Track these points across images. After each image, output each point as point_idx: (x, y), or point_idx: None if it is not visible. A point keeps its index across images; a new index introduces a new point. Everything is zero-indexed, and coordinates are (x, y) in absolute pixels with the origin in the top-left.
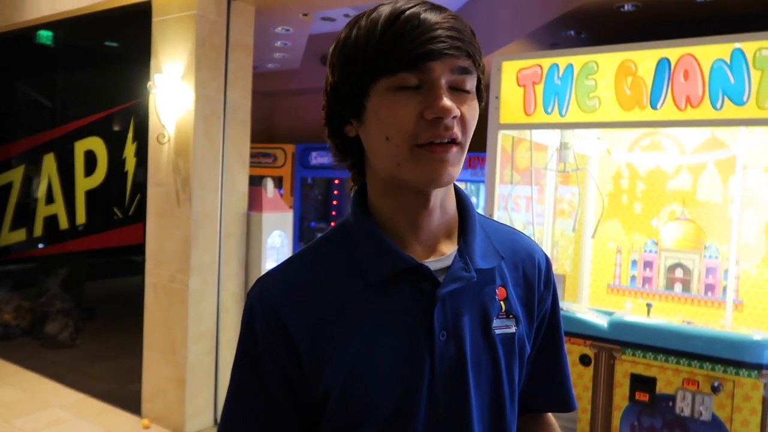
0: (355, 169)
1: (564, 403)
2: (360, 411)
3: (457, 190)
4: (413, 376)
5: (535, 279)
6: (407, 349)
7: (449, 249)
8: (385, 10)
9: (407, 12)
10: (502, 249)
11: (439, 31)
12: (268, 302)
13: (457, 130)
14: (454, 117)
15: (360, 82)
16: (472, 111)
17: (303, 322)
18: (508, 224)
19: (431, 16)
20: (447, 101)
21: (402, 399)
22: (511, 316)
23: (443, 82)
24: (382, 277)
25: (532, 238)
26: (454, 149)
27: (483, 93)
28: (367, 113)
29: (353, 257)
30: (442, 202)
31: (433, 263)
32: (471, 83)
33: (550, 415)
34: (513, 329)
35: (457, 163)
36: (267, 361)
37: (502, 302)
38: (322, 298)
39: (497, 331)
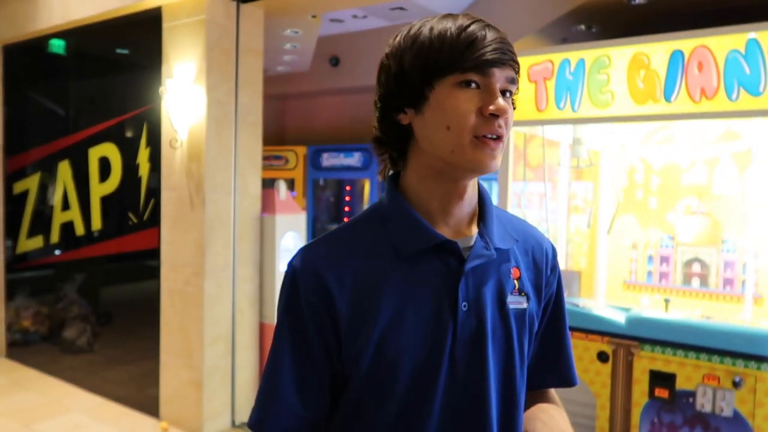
0: (396, 154)
1: (568, 379)
2: (388, 370)
3: (479, 184)
4: (437, 340)
5: (543, 264)
6: (433, 316)
7: (471, 232)
8: (451, 21)
9: (474, 25)
10: (516, 235)
11: (503, 45)
12: (311, 269)
13: (504, 129)
14: (505, 117)
15: (430, 74)
16: (512, 114)
17: (343, 289)
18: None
19: (493, 33)
20: (503, 102)
21: (426, 360)
22: (523, 293)
23: (499, 86)
24: (414, 250)
25: (546, 235)
26: (501, 144)
27: (515, 102)
28: (429, 104)
29: (387, 234)
30: (470, 193)
31: (459, 242)
32: (513, 91)
33: (553, 391)
34: (525, 305)
35: (500, 156)
36: (308, 318)
37: (516, 281)
38: (360, 269)
39: (511, 306)
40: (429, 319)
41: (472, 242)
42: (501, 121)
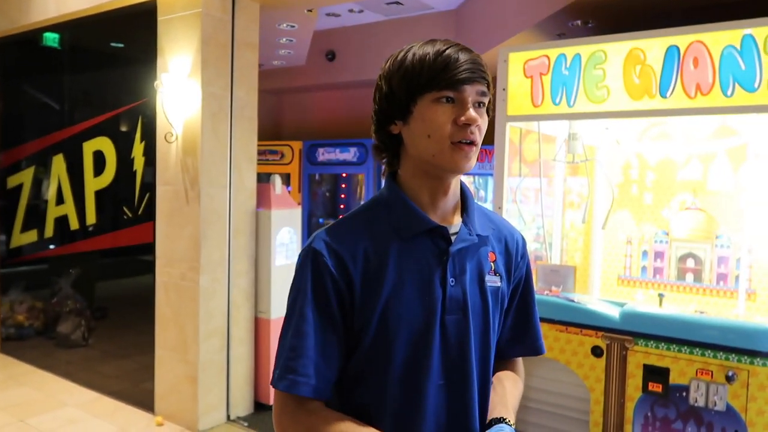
0: (392, 157)
1: (537, 348)
2: (392, 332)
3: (461, 182)
4: (431, 308)
5: (514, 251)
6: (427, 288)
7: (455, 220)
8: (430, 46)
9: (449, 49)
10: (492, 225)
11: (472, 65)
12: (331, 247)
13: (476, 135)
14: (476, 125)
15: (413, 92)
16: (484, 122)
17: (356, 264)
18: (518, 216)
19: (465, 55)
20: (473, 113)
21: (422, 324)
22: (497, 274)
23: (470, 99)
24: (412, 233)
25: (541, 230)
26: (474, 148)
27: (491, 110)
28: (413, 117)
29: (388, 220)
30: (453, 188)
31: (447, 228)
32: (485, 101)
33: (519, 361)
34: (499, 283)
35: (474, 158)
36: (331, 290)
37: (492, 263)
38: (368, 248)
39: (488, 284)
40: (424, 290)
41: (457, 229)
42: (473, 128)
